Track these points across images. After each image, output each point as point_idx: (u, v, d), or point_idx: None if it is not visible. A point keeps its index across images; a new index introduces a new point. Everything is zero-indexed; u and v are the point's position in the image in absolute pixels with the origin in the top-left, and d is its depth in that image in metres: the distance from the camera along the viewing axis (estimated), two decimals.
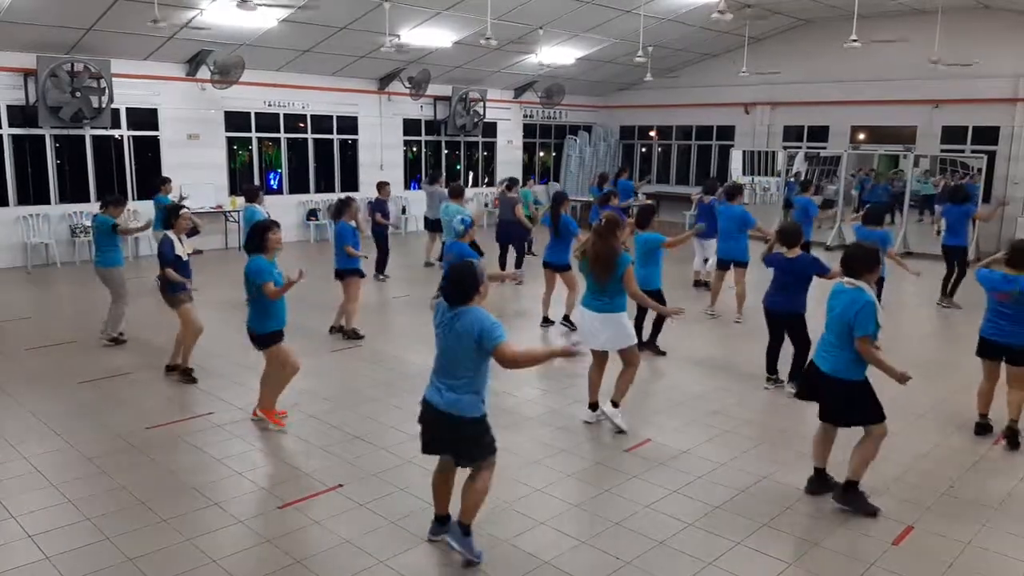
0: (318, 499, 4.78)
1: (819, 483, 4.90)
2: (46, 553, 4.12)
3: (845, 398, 4.64)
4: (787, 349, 6.92)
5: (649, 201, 12.80)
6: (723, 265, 9.67)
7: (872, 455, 4.66)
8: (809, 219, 10.80)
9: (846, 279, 4.65)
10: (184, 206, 7.86)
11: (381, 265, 11.79)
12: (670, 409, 6.48)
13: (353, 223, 8.45)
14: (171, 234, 6.93)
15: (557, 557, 4.15)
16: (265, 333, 5.73)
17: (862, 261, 4.63)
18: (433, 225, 12.85)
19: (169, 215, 7.06)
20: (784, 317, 6.76)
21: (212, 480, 5.04)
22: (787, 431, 6.00)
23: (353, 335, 8.44)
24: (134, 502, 4.68)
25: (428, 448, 4.14)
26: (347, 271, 8.37)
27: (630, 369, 5.96)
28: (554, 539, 4.35)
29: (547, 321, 9.13)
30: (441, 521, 4.29)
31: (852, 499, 4.68)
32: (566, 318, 8.99)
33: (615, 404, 5.96)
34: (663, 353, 8.03)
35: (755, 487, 5.01)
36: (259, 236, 5.68)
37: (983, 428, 5.96)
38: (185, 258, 6.98)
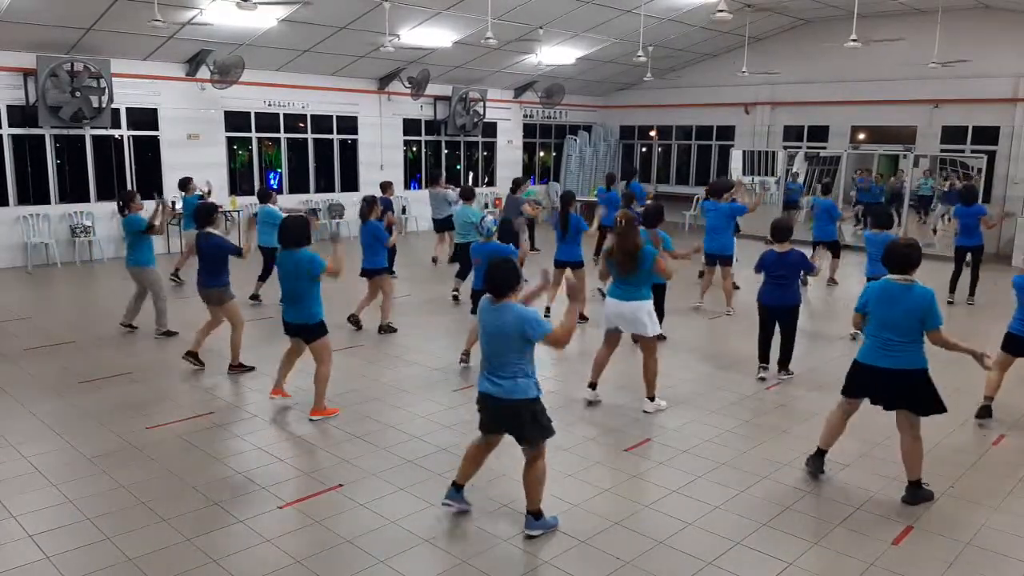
0: (318, 499, 4.78)
1: (820, 463, 5.10)
2: (46, 553, 4.12)
3: (922, 387, 4.72)
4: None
5: (649, 200, 12.90)
6: (711, 261, 10.01)
7: (921, 447, 4.80)
8: (833, 220, 11.55)
9: (897, 276, 4.72)
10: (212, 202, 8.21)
11: (390, 263, 11.93)
12: (670, 408, 6.47)
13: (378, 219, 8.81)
14: (215, 231, 7.19)
15: (557, 557, 4.15)
16: (322, 320, 6.02)
17: (908, 256, 4.73)
18: (439, 226, 13.10)
19: (209, 213, 7.23)
20: (780, 310, 7.08)
21: (212, 480, 5.04)
22: (788, 431, 6.00)
23: (389, 329, 8.73)
24: (134, 502, 4.68)
25: (486, 428, 4.45)
26: (382, 270, 8.74)
27: (650, 359, 6.31)
28: (554, 539, 4.34)
29: (547, 312, 9.29)
30: (458, 488, 4.54)
31: (919, 495, 4.80)
32: (581, 315, 9.08)
33: (651, 399, 6.35)
34: (664, 338, 8.26)
35: (755, 487, 5.02)
36: (304, 228, 5.97)
37: (985, 411, 6.15)
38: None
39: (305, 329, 6.03)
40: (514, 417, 4.24)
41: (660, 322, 8.27)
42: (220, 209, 13.94)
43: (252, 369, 7.19)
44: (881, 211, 9.22)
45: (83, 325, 8.78)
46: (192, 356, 7.30)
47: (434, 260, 13.12)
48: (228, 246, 7.14)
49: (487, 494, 4.75)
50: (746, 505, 4.76)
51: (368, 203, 8.80)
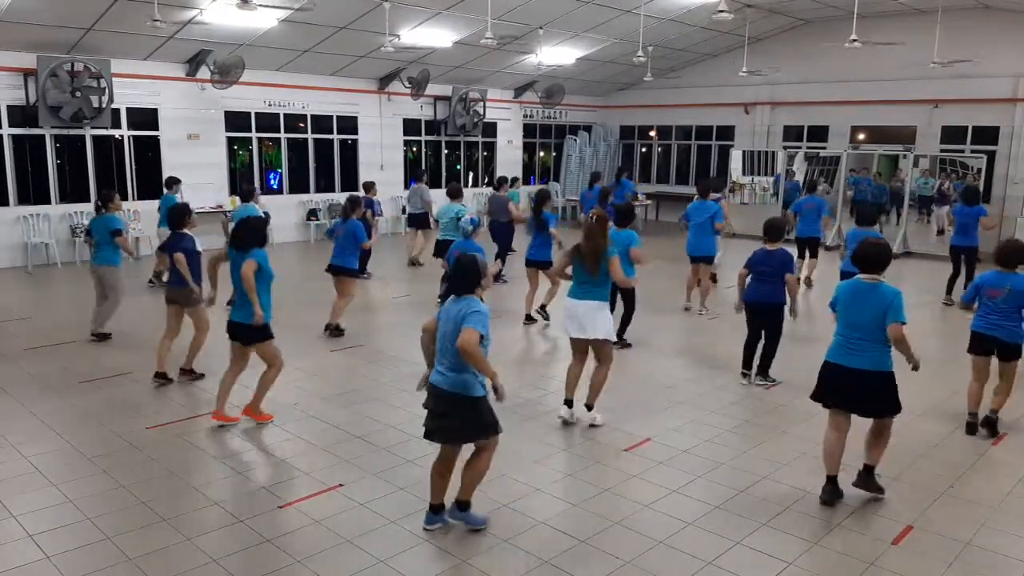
0: (318, 499, 4.78)
1: (835, 492, 4.83)
2: (46, 552, 4.12)
3: (885, 389, 4.71)
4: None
5: (648, 202, 13.04)
6: (695, 261, 10.01)
7: (888, 440, 4.85)
8: (819, 218, 11.59)
9: (865, 275, 4.74)
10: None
11: (363, 264, 11.99)
12: (670, 409, 6.48)
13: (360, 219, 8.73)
14: (188, 231, 7.01)
15: (557, 557, 4.15)
16: (268, 324, 5.81)
17: (876, 256, 4.74)
18: (414, 220, 13.38)
19: (182, 215, 7.02)
20: (764, 308, 7.03)
21: (212, 480, 5.05)
22: (787, 431, 6.00)
23: (337, 331, 8.51)
24: (134, 502, 4.68)
25: (431, 435, 4.32)
26: (351, 270, 8.57)
27: (604, 367, 6.06)
28: (554, 539, 4.35)
29: (529, 319, 9.25)
30: (436, 511, 4.43)
31: (871, 483, 4.86)
32: (543, 307, 9.24)
33: (589, 408, 6.07)
34: (629, 345, 8.22)
35: (755, 487, 5.02)
36: (261, 230, 5.90)
37: (973, 427, 6.09)
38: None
39: (248, 330, 5.74)
40: (453, 409, 4.19)
41: (625, 327, 8.20)
42: (221, 209, 14.05)
43: (202, 376, 6.94)
44: (865, 209, 9.30)
45: (83, 325, 8.76)
46: (188, 373, 7.01)
47: (411, 263, 13.08)
48: (191, 248, 6.92)
49: (487, 494, 4.75)
50: (746, 505, 4.76)
51: (353, 202, 8.74)
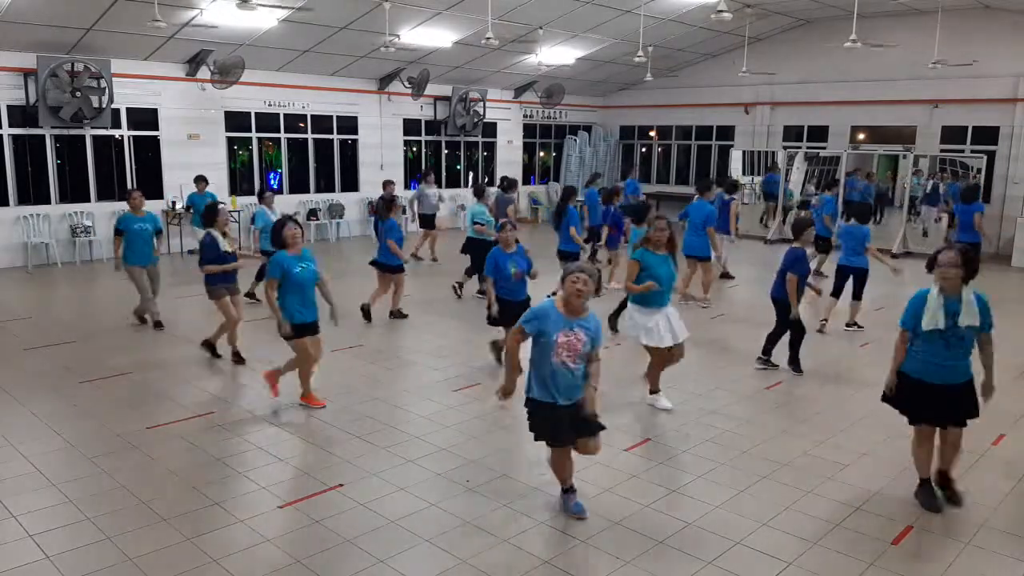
0: (318, 499, 4.78)
1: (932, 492, 4.79)
2: (46, 552, 4.12)
3: (972, 396, 4.61)
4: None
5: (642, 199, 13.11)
6: (690, 259, 10.09)
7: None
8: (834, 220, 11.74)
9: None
10: (222, 203, 8.57)
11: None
12: (670, 408, 6.48)
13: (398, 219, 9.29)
14: (214, 232, 7.39)
15: (557, 557, 4.16)
16: (294, 324, 6.11)
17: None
18: (425, 221, 13.56)
19: (209, 213, 7.52)
20: (774, 301, 7.29)
21: (212, 480, 5.04)
22: (787, 431, 6.00)
23: (399, 314, 9.28)
24: (134, 502, 4.68)
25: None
26: (397, 267, 9.09)
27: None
28: (554, 538, 4.35)
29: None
30: (568, 491, 4.70)
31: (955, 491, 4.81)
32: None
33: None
34: (616, 331, 8.37)
35: (755, 487, 5.02)
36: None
37: None
38: (230, 250, 7.49)
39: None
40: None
41: (619, 313, 8.27)
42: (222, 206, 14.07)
43: (220, 356, 7.51)
44: (859, 206, 9.37)
45: (83, 325, 8.78)
46: (207, 346, 7.67)
47: (414, 256, 13.12)
48: (210, 251, 7.36)
49: (486, 494, 4.75)
50: (746, 505, 4.76)
51: (388, 202, 9.17)
